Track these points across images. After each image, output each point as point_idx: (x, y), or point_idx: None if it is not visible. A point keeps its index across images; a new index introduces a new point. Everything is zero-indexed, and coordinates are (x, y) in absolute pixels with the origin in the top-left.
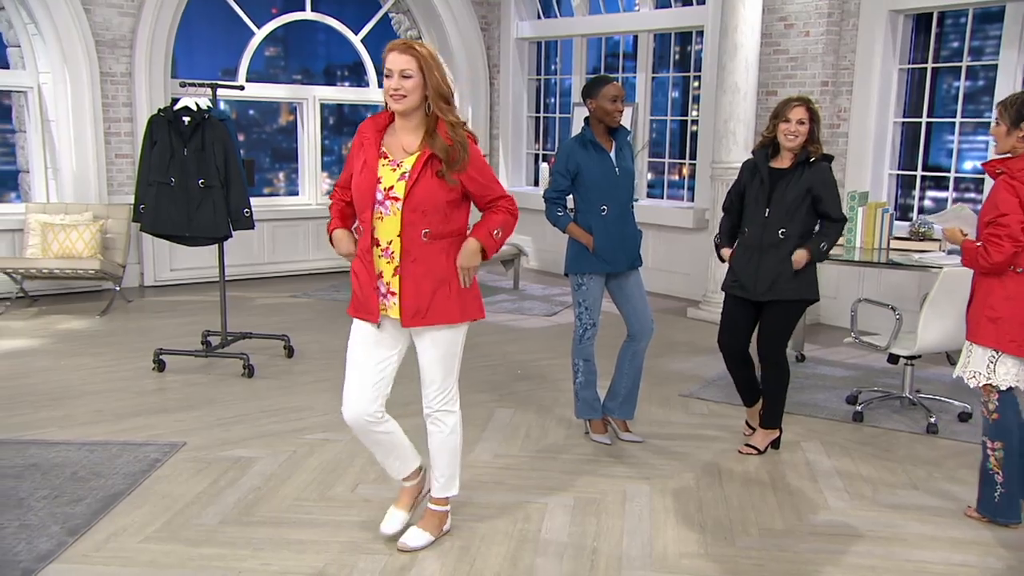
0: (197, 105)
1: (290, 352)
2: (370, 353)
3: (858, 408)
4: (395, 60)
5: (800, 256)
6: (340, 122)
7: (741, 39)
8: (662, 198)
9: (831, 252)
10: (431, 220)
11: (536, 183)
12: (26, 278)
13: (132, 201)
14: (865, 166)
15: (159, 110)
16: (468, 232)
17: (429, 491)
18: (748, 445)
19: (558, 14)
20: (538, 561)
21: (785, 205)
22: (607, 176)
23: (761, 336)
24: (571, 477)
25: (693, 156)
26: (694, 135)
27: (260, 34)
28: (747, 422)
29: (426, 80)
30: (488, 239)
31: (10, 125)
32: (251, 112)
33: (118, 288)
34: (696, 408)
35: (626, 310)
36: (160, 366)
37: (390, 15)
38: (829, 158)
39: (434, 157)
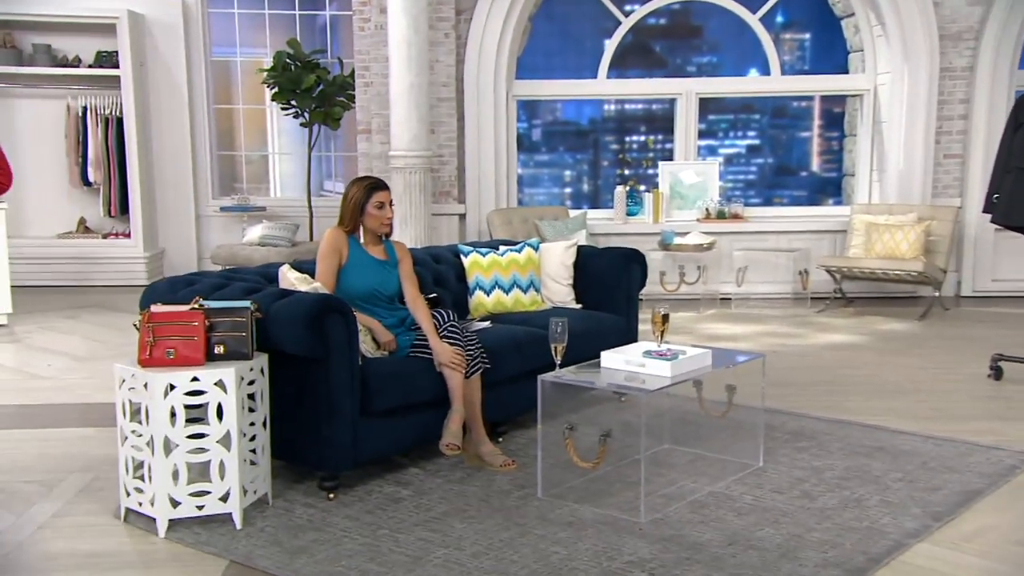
0: None
1: None
2: None
3: None
4: None
5: None
6: None
7: None
8: None
9: None
10: None
11: None
12: (846, 278)
13: (957, 204)
14: None
15: None
16: None
17: None
18: None
19: None
20: None
21: None
22: None
23: None
24: None
25: None
26: None
27: None
28: None
29: None
30: None
31: (836, 133)
32: None
33: (937, 293)
34: None
35: None
36: (997, 373)
37: None
38: None
39: None
